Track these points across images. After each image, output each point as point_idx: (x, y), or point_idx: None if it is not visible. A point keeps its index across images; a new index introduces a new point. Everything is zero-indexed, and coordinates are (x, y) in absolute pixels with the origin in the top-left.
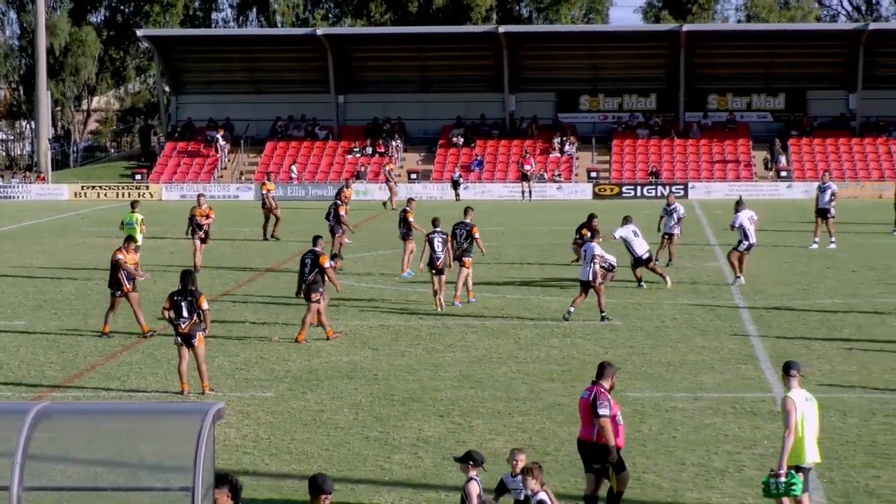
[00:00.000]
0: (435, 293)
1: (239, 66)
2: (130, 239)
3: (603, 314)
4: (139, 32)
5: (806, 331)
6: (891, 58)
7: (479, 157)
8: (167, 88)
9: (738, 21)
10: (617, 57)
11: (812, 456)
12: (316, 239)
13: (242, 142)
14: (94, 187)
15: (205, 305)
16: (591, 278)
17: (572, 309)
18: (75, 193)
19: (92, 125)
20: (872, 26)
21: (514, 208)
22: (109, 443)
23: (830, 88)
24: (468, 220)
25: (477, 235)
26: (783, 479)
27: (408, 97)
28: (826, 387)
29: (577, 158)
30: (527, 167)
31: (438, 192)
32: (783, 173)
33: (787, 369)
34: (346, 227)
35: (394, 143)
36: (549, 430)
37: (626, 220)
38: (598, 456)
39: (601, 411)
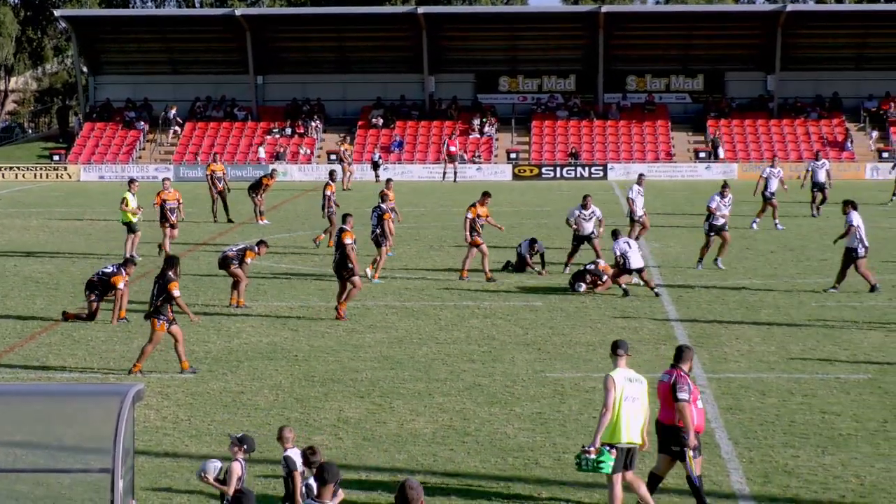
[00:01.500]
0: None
1: (157, 46)
2: (129, 262)
3: (655, 289)
4: (57, 12)
5: (725, 311)
6: (808, 39)
7: (398, 138)
8: (85, 69)
9: (657, 2)
10: (536, 38)
11: (631, 436)
12: (345, 217)
13: (161, 122)
14: (11, 168)
15: (174, 293)
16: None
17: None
18: None
19: (9, 106)
20: (790, 7)
21: (434, 189)
22: (28, 424)
23: (748, 70)
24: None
25: (470, 217)
26: (593, 455)
27: (327, 78)
28: (745, 367)
29: (497, 139)
30: (452, 148)
31: (358, 173)
32: (702, 154)
33: (614, 348)
34: (336, 205)
35: (313, 124)
36: (469, 410)
37: (617, 234)
38: (677, 439)
39: (681, 395)
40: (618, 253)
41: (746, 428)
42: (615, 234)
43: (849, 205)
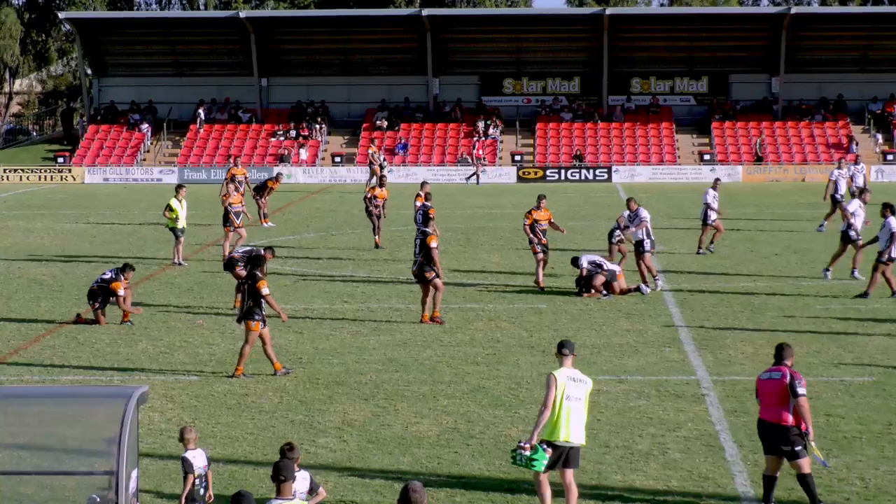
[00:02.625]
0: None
1: (162, 48)
2: (127, 267)
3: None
4: (61, 15)
5: (729, 314)
6: (813, 41)
7: (403, 141)
8: (89, 71)
9: (661, 4)
10: (540, 40)
11: (571, 436)
12: (428, 220)
13: (165, 125)
14: (16, 170)
15: (263, 291)
16: None
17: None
18: None
19: (14, 108)
20: (794, 10)
21: (437, 191)
22: (33, 427)
23: (753, 72)
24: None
25: (527, 223)
26: (527, 452)
27: (331, 80)
28: (749, 370)
29: (502, 142)
30: (480, 151)
31: (362, 176)
32: (706, 157)
33: (559, 348)
34: (381, 209)
35: (318, 127)
36: (473, 413)
37: (577, 260)
38: (785, 438)
39: (800, 390)
40: (586, 265)
41: (751, 430)
42: (575, 261)
43: (888, 208)
